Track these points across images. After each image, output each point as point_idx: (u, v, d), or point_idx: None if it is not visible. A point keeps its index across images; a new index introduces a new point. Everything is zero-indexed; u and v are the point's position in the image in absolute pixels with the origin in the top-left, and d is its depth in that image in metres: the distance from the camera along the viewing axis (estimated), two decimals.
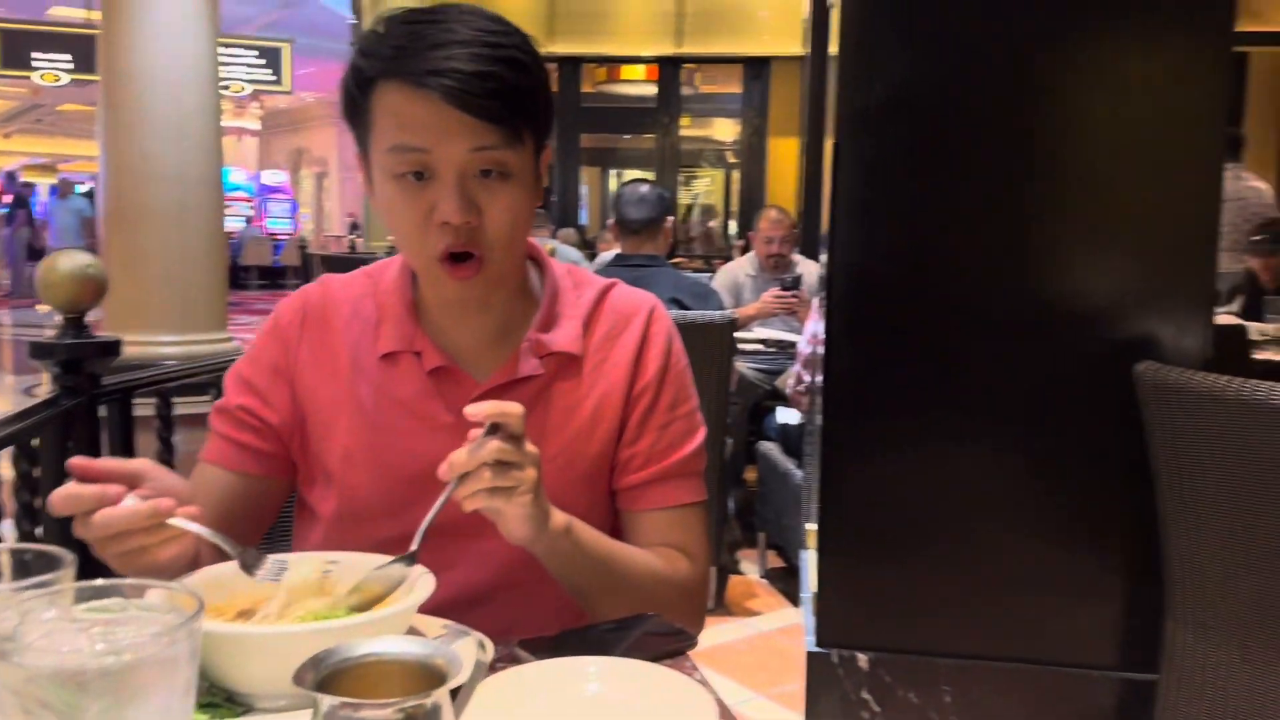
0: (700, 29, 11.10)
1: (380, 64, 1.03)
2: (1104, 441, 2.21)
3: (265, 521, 1.22)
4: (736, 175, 12.52)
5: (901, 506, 2.31)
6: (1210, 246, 2.22)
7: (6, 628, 0.53)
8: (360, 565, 0.96)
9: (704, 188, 15.73)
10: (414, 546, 0.94)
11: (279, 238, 21.40)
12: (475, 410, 0.93)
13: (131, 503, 0.89)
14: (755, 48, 11.05)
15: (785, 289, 3.97)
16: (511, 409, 0.94)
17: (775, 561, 4.17)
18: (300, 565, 0.95)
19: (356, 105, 1.06)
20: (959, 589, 2.31)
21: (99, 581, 0.60)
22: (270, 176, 24.42)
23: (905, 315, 2.28)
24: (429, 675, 0.69)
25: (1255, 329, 3.67)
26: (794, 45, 10.18)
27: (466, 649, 0.78)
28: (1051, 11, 2.19)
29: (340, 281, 1.22)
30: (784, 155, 10.93)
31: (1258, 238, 4.68)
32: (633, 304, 1.22)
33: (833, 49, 2.63)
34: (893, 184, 2.27)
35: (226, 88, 16.16)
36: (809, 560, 3.02)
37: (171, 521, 0.91)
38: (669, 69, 11.47)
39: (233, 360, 1.27)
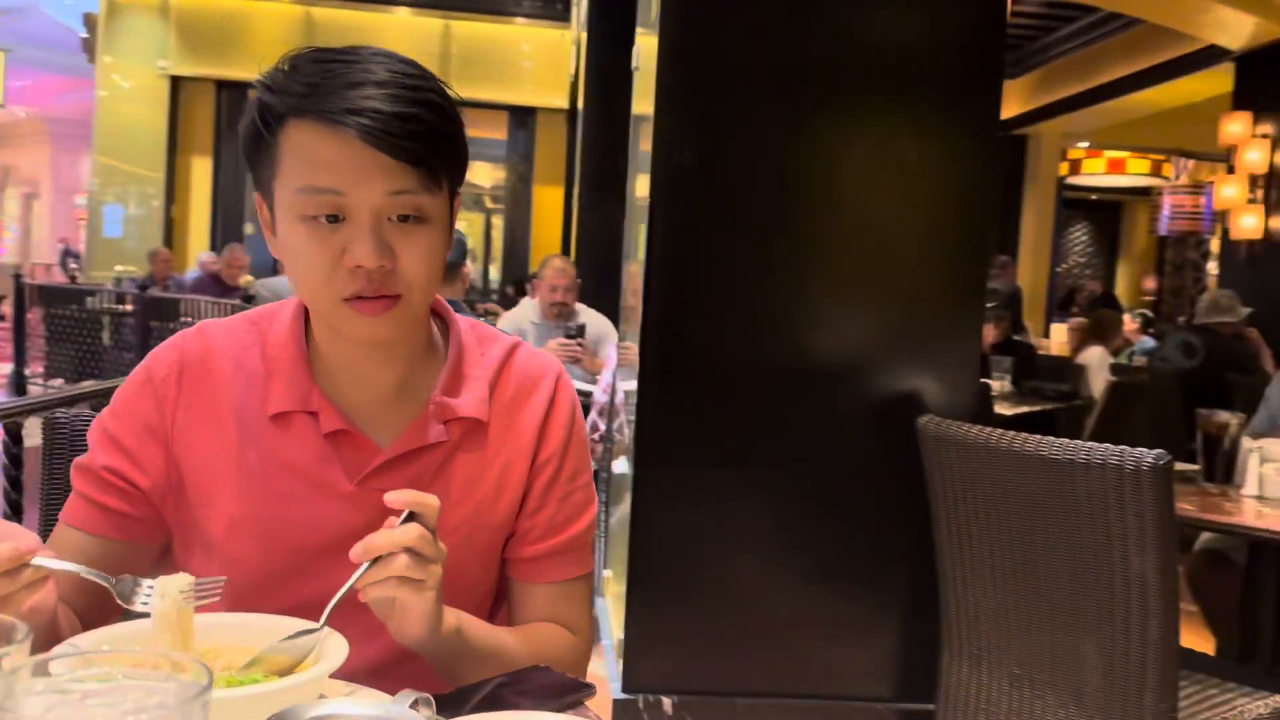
0: (465, 74, 11.11)
1: (292, 100, 0.97)
2: (886, 489, 2.40)
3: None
4: (497, 220, 12.55)
5: (704, 553, 2.40)
6: (978, 313, 2.48)
7: (10, 702, 0.47)
8: (251, 627, 0.91)
9: (463, 230, 15.67)
10: (322, 622, 0.88)
11: None
12: (396, 498, 0.89)
13: None
14: (520, 97, 11.19)
15: (570, 337, 4.03)
16: (429, 501, 0.91)
17: None
18: (165, 586, 0.87)
19: (261, 143, 0.99)
20: (756, 631, 2.42)
21: (69, 649, 0.54)
22: None
23: (711, 370, 2.39)
24: None
25: (993, 386, 4.10)
26: (559, 98, 10.39)
27: (416, 710, 0.76)
28: (843, 95, 2.39)
29: (222, 329, 1.11)
30: (548, 203, 11.09)
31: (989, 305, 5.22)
32: (539, 368, 1.17)
33: (642, 109, 2.74)
34: (701, 245, 2.38)
35: None
36: (607, 607, 3.06)
37: (36, 561, 0.82)
38: None
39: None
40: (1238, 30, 6.79)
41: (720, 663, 2.40)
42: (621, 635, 2.41)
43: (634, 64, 2.68)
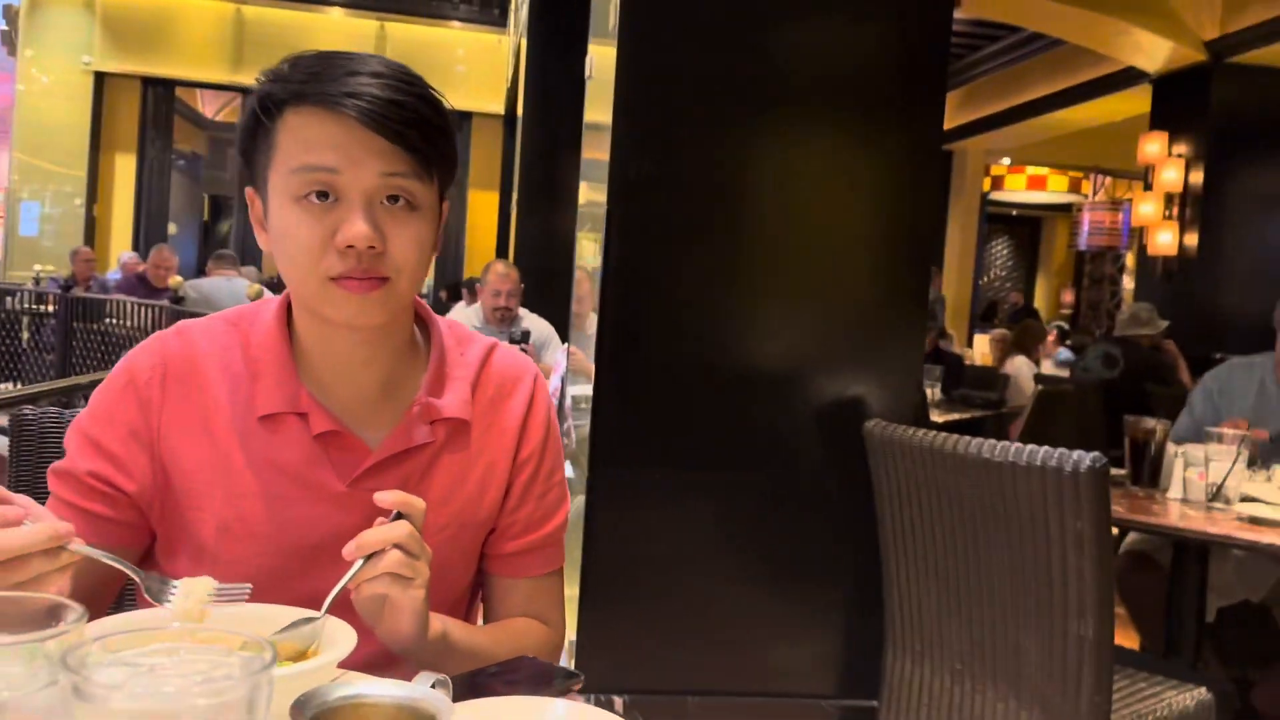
0: None
1: (294, 87, 0.99)
2: (832, 491, 2.47)
3: (109, 596, 1.09)
4: None
5: (655, 553, 2.44)
6: (920, 322, 2.56)
7: (86, 671, 0.49)
8: (251, 616, 0.93)
9: None
10: (323, 610, 0.90)
11: None
12: (385, 498, 0.92)
13: (28, 526, 0.80)
14: (454, 101, 11.01)
15: (514, 342, 4.03)
16: (417, 502, 0.93)
17: None
18: (191, 586, 0.89)
19: (260, 130, 1.01)
20: (706, 630, 2.46)
21: (121, 624, 0.56)
22: None
23: (664, 374, 2.44)
24: (417, 717, 0.70)
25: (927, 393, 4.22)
26: (494, 103, 10.37)
27: (441, 692, 0.78)
28: (794, 108, 2.46)
29: (201, 330, 1.10)
30: (482, 208, 11.06)
31: None
32: (517, 368, 1.19)
33: (595, 117, 2.78)
34: (657, 251, 2.43)
35: None
36: None
37: (72, 547, 0.82)
38: None
39: None
40: (1154, 54, 7.08)
41: (671, 662, 2.44)
42: (573, 636, 2.44)
43: (588, 73, 2.72)
